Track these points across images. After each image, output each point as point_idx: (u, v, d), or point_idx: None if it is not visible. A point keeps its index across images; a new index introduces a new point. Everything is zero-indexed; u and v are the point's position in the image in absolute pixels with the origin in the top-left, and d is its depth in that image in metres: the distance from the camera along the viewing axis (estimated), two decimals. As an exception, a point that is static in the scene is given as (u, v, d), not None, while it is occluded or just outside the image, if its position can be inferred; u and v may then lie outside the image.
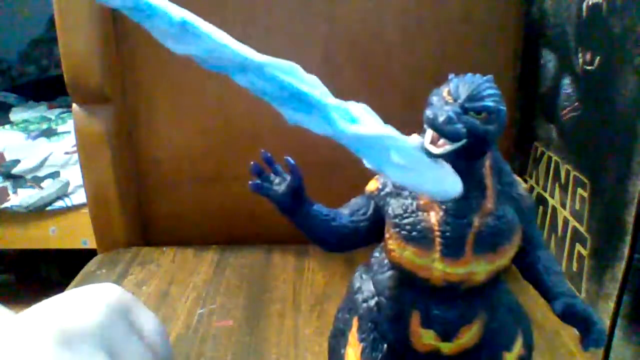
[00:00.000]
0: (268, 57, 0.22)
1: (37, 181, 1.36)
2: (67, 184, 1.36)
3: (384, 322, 0.31)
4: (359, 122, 0.22)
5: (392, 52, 0.60)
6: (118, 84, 0.61)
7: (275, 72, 0.22)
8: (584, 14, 0.46)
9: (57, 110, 1.62)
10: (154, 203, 0.67)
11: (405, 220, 0.28)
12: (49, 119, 1.54)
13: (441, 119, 0.25)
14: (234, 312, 0.52)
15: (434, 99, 0.26)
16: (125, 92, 0.62)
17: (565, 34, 0.49)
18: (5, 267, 1.60)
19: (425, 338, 0.29)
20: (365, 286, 0.32)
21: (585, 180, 0.46)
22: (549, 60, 0.53)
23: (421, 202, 0.28)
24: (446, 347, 0.29)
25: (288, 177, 0.29)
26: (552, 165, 0.52)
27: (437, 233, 0.27)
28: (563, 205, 0.50)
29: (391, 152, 0.23)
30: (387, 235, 0.29)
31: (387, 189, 0.29)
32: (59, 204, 1.35)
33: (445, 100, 0.26)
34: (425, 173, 0.24)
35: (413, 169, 0.23)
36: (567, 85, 0.49)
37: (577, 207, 0.47)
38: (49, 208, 1.34)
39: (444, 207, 0.27)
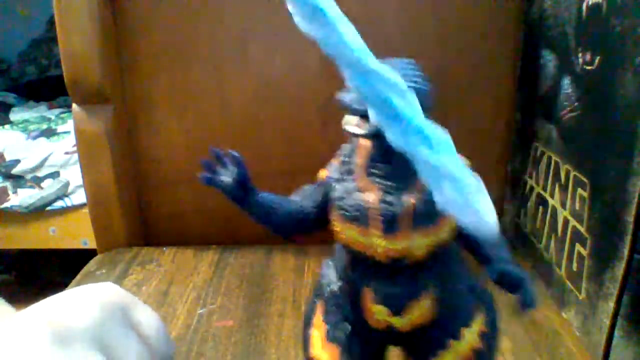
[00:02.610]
0: (377, 64, 0.23)
1: (37, 181, 1.36)
2: (67, 184, 1.36)
3: (344, 303, 0.33)
4: (433, 148, 0.24)
5: (392, 52, 0.60)
6: (118, 84, 0.61)
7: (380, 84, 0.23)
8: (584, 14, 0.46)
9: (57, 110, 1.62)
10: (154, 203, 0.67)
11: (347, 202, 0.30)
12: (49, 119, 1.54)
13: (348, 99, 0.26)
14: (234, 312, 0.52)
15: None
16: (125, 92, 0.62)
17: (565, 34, 0.49)
18: (5, 267, 1.60)
19: (378, 314, 0.31)
20: (330, 271, 0.34)
21: (585, 180, 0.46)
22: (549, 60, 0.53)
23: (360, 184, 0.30)
24: (399, 322, 0.31)
25: (235, 170, 0.32)
26: (552, 165, 0.52)
27: (375, 211, 0.29)
28: (563, 205, 0.50)
29: (446, 184, 0.24)
30: (333, 218, 0.31)
31: (334, 176, 0.31)
32: (59, 204, 1.35)
33: None
34: (467, 210, 0.25)
35: (460, 204, 0.25)
36: (567, 85, 0.49)
37: (577, 207, 0.47)
38: (49, 208, 1.34)
39: (380, 186, 0.29)
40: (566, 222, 0.49)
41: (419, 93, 0.26)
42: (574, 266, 0.47)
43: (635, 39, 0.38)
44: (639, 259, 0.39)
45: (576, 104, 0.48)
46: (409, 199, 0.29)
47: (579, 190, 0.47)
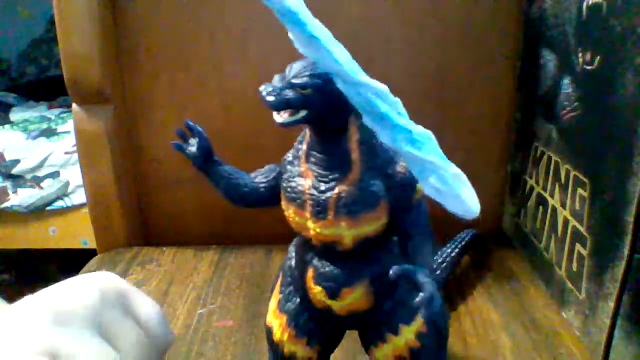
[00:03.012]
0: (365, 77, 0.27)
1: (37, 181, 1.36)
2: (67, 183, 1.36)
3: (297, 277, 0.35)
4: (418, 146, 0.27)
5: (392, 51, 0.60)
6: (118, 84, 0.61)
7: (368, 93, 0.27)
8: (584, 14, 0.46)
9: (57, 110, 1.62)
10: (154, 203, 0.67)
11: (289, 184, 0.32)
12: (49, 119, 1.54)
13: (264, 92, 0.29)
14: (234, 312, 0.52)
15: (276, 77, 0.30)
16: (125, 92, 0.62)
17: (565, 34, 0.49)
18: (5, 267, 1.60)
19: (317, 293, 0.33)
20: (292, 247, 0.37)
21: (585, 180, 0.46)
22: (549, 60, 0.53)
23: (302, 169, 0.32)
24: (335, 306, 0.33)
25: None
26: (552, 165, 0.52)
27: (308, 196, 0.31)
28: (563, 205, 0.50)
29: (432, 175, 0.28)
30: (281, 197, 0.33)
31: (289, 158, 0.34)
32: (59, 203, 1.35)
33: (283, 77, 0.30)
34: (452, 199, 0.28)
35: (445, 192, 0.28)
36: (567, 85, 0.49)
37: (577, 207, 0.47)
38: (49, 208, 1.34)
39: (315, 173, 0.31)
40: (566, 221, 0.49)
41: (317, 89, 0.29)
42: (574, 266, 0.47)
43: (635, 39, 0.38)
44: (639, 258, 0.39)
45: (576, 104, 0.48)
46: (336, 189, 0.31)
47: (579, 190, 0.47)
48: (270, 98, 0.28)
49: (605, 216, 0.42)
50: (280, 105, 0.29)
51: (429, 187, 0.28)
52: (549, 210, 0.53)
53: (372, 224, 0.31)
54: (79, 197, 1.36)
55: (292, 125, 0.29)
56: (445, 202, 0.28)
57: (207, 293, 0.55)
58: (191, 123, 0.35)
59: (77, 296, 0.26)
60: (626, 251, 0.39)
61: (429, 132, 0.28)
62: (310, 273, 0.33)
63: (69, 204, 1.36)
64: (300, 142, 0.33)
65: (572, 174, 0.48)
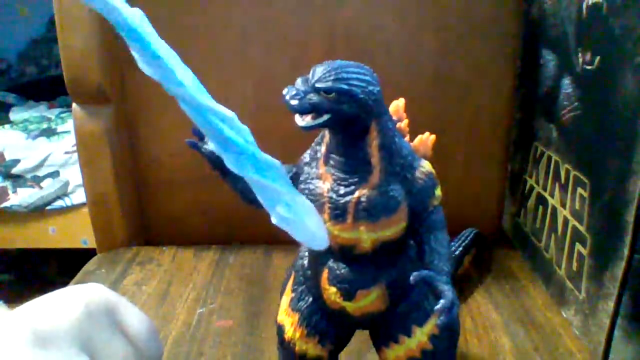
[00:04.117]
0: (210, 101, 0.27)
1: (37, 181, 1.36)
2: (67, 183, 1.36)
3: (310, 277, 0.35)
4: (262, 173, 0.28)
5: (392, 51, 0.60)
6: (118, 84, 0.61)
7: (212, 116, 0.27)
8: (584, 14, 0.46)
9: (57, 110, 1.62)
10: (154, 203, 0.67)
11: (307, 186, 0.32)
12: (49, 119, 1.54)
13: (287, 95, 0.29)
14: (234, 312, 0.52)
15: (298, 80, 0.30)
16: (125, 92, 0.62)
17: (565, 34, 0.49)
18: (5, 267, 1.60)
19: (331, 294, 0.33)
20: (304, 247, 0.37)
21: (585, 180, 0.46)
22: (549, 60, 0.53)
23: (320, 171, 0.32)
24: (349, 307, 0.33)
25: None
26: (552, 165, 0.52)
27: (326, 198, 0.31)
28: (563, 205, 0.50)
29: (278, 205, 0.28)
30: None
31: (306, 160, 0.34)
32: (58, 203, 1.35)
33: (306, 80, 0.30)
34: (300, 228, 0.29)
35: (292, 221, 0.29)
36: (567, 85, 0.49)
37: (577, 206, 0.47)
38: (48, 208, 1.35)
39: (334, 177, 0.31)
40: (566, 221, 0.49)
41: (351, 95, 0.29)
42: (574, 266, 0.47)
43: (635, 39, 0.38)
44: (639, 258, 0.39)
45: (576, 103, 0.48)
46: (355, 194, 0.31)
47: (579, 190, 0.47)
48: (294, 102, 0.29)
49: (605, 216, 0.42)
50: (304, 110, 0.29)
51: (277, 216, 0.28)
52: (549, 210, 0.53)
53: (391, 228, 0.31)
54: (79, 196, 1.35)
55: (314, 129, 0.30)
56: (294, 231, 0.29)
57: (207, 293, 0.55)
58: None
59: (61, 312, 0.24)
60: (626, 251, 0.39)
61: (276, 161, 0.28)
62: (325, 274, 0.33)
63: (69, 204, 1.36)
64: (319, 144, 0.33)
65: (572, 173, 0.48)
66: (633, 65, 0.38)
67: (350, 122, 0.30)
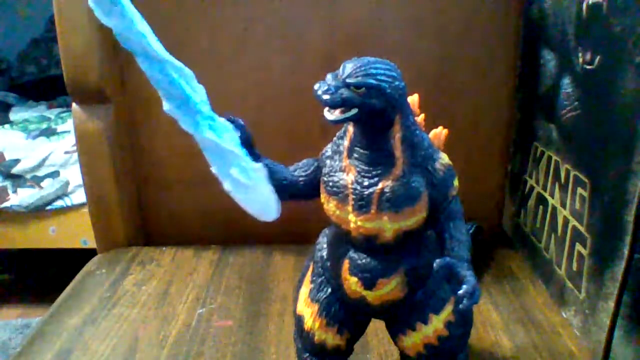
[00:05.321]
0: (168, 55, 0.26)
1: (37, 181, 1.36)
2: (67, 183, 1.36)
3: (329, 268, 0.36)
4: (219, 134, 0.27)
5: (392, 52, 0.60)
6: (118, 84, 0.61)
7: (172, 71, 0.26)
8: (584, 13, 0.46)
9: (57, 110, 1.62)
10: (154, 203, 0.67)
11: (330, 178, 0.33)
12: (49, 119, 1.54)
13: (319, 90, 0.30)
14: (234, 312, 0.52)
15: (329, 76, 0.31)
16: (125, 92, 0.62)
17: (565, 34, 0.49)
18: (5, 267, 1.60)
19: (352, 284, 0.34)
20: (323, 239, 0.38)
21: (585, 180, 0.46)
22: (549, 60, 0.53)
23: (343, 164, 0.33)
24: (369, 296, 0.34)
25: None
26: (552, 165, 0.52)
27: (350, 190, 0.32)
28: (563, 205, 0.50)
29: (232, 167, 0.28)
30: (321, 190, 0.34)
31: (327, 153, 0.35)
32: (58, 203, 1.35)
33: (336, 76, 0.31)
34: (252, 195, 0.29)
35: (245, 187, 0.28)
36: (567, 85, 0.49)
37: (577, 206, 0.47)
38: (48, 208, 1.34)
39: (358, 169, 0.32)
40: (566, 221, 0.49)
41: (379, 90, 0.30)
42: (574, 266, 0.47)
43: (635, 39, 0.38)
44: (639, 258, 0.39)
45: (576, 103, 0.48)
46: (379, 185, 0.32)
47: (579, 190, 0.47)
48: (326, 97, 0.30)
49: (605, 216, 0.42)
50: (336, 104, 0.30)
51: (230, 180, 0.28)
52: (549, 210, 0.53)
53: (413, 218, 0.33)
54: (79, 196, 1.35)
55: (343, 122, 0.31)
56: (247, 199, 0.28)
57: (207, 293, 0.55)
58: (232, 116, 0.35)
59: None
60: (626, 251, 0.39)
61: (231, 125, 0.28)
62: (346, 264, 0.34)
63: (69, 204, 1.35)
64: (341, 138, 0.34)
65: (572, 173, 0.48)
66: (633, 65, 0.38)
67: (376, 116, 0.31)
